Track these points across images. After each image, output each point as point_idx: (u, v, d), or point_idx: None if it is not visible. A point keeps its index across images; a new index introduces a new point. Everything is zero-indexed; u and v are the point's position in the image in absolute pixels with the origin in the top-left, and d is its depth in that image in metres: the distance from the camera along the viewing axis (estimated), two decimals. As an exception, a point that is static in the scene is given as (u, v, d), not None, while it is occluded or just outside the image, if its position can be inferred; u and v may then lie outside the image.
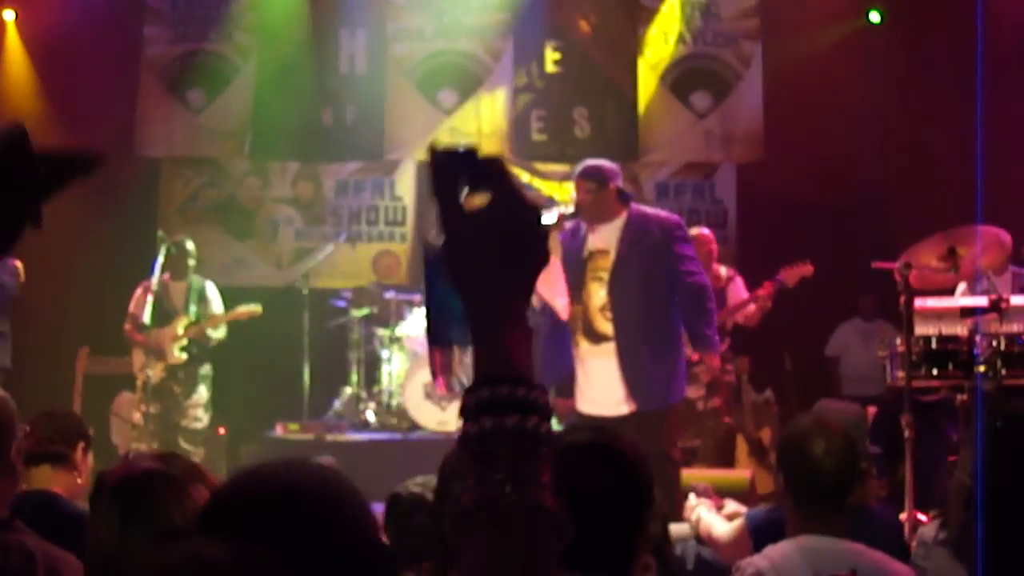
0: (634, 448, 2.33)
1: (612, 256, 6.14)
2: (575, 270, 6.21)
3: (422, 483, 3.25)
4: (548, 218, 6.12)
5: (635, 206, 6.37)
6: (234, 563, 1.20)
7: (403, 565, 3.07)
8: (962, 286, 6.87)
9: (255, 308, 9.35)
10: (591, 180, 6.17)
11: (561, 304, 6.18)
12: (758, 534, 3.54)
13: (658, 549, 3.00)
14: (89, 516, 2.46)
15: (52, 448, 3.81)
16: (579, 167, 6.32)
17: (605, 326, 6.13)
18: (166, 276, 9.22)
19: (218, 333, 9.44)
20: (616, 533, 2.19)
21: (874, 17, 11.27)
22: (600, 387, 6.15)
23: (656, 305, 6.14)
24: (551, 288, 6.15)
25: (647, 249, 6.14)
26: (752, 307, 8.47)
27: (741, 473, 7.45)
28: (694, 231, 8.81)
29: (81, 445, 3.92)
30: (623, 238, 6.15)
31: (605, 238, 6.20)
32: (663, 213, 6.55)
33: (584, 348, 6.21)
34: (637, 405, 6.05)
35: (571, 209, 6.13)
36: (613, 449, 2.28)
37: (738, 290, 8.72)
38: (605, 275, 6.14)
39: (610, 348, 6.10)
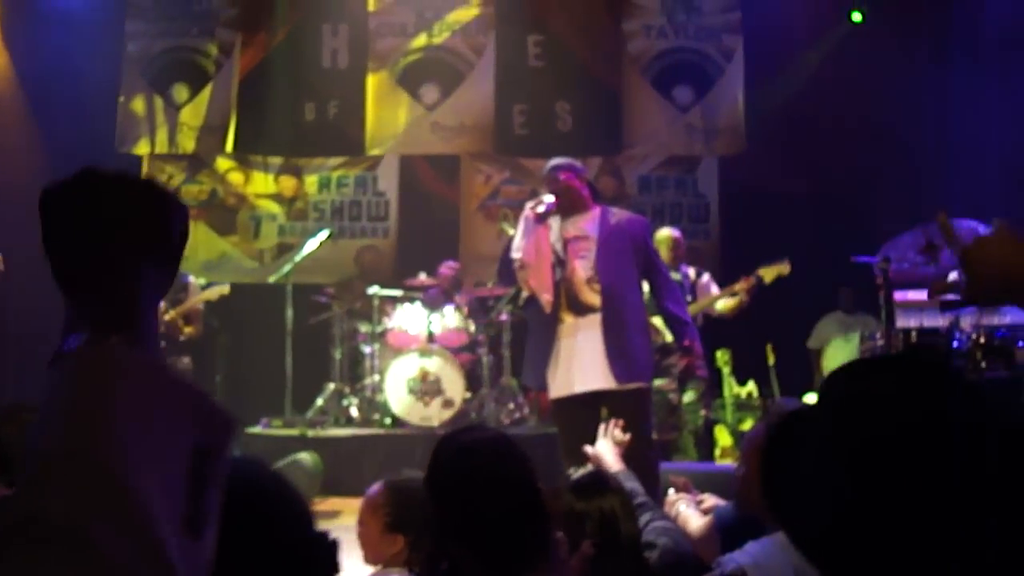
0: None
1: (594, 238, 6.27)
2: (557, 253, 6.30)
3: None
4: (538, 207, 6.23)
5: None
6: None
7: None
8: (953, 275, 6.89)
9: (222, 289, 9.21)
10: (561, 171, 6.34)
11: (547, 299, 6.23)
12: (726, 532, 3.50)
13: (610, 527, 3.00)
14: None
15: None
16: (548, 164, 6.47)
17: (592, 297, 6.21)
18: None
19: (197, 323, 9.24)
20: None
21: (856, 17, 11.31)
22: (583, 361, 6.17)
23: (634, 287, 6.29)
24: (540, 281, 6.20)
25: (627, 235, 6.29)
26: (731, 300, 8.47)
27: (723, 466, 7.46)
28: (667, 231, 8.81)
29: None
30: (602, 224, 6.30)
31: (582, 226, 6.33)
32: (629, 213, 6.71)
33: (569, 323, 6.25)
34: (621, 378, 6.09)
35: (552, 199, 6.25)
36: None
37: (709, 287, 8.74)
38: (589, 253, 6.25)
39: (596, 319, 6.17)
